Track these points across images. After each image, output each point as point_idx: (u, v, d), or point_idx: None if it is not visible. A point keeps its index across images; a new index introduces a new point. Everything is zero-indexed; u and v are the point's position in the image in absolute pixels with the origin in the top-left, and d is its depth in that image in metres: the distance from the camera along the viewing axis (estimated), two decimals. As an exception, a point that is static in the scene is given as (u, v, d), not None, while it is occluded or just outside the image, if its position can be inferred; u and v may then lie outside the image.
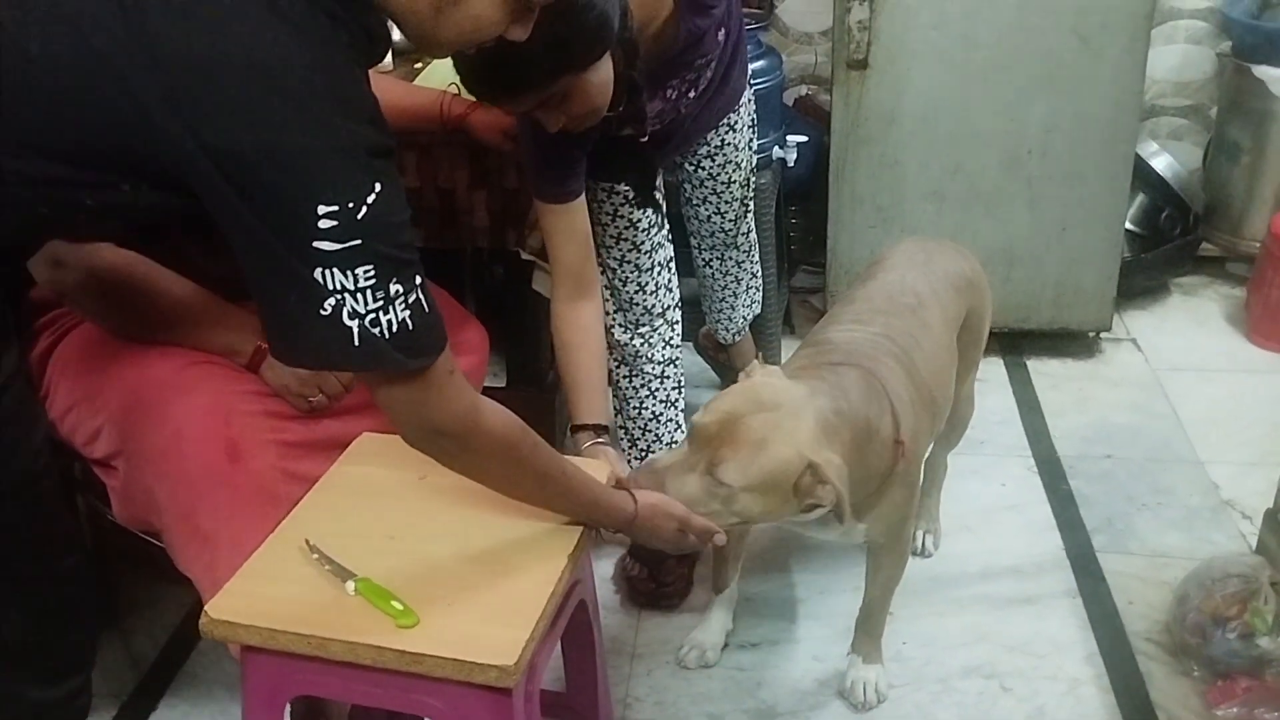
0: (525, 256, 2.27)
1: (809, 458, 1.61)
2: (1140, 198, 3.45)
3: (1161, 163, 3.47)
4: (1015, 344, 3.22)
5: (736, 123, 2.43)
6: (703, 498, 1.64)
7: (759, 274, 2.77)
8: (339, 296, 1.20)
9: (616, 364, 2.34)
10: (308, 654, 1.39)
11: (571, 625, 1.66)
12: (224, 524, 1.64)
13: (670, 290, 2.31)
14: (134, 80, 1.14)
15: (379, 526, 1.56)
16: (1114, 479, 2.70)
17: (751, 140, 2.51)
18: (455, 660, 1.34)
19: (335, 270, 1.19)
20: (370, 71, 2.24)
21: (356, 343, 1.22)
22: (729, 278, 2.70)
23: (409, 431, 1.36)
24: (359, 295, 1.21)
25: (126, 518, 1.79)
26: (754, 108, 2.50)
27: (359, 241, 1.18)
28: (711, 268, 2.67)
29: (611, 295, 2.27)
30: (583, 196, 2.02)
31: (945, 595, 2.34)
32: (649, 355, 2.29)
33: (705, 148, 2.43)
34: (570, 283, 2.05)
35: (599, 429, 2.03)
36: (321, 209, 1.17)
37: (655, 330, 2.30)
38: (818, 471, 1.62)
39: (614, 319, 2.29)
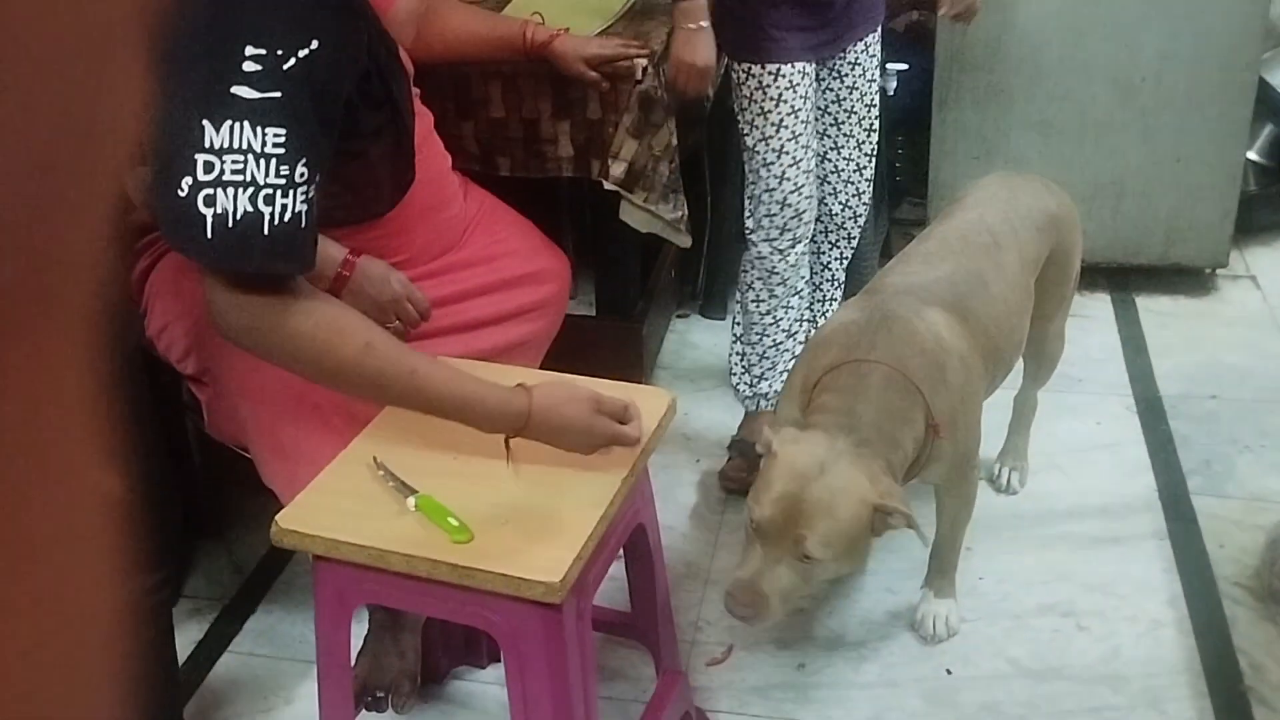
0: (608, 187, 2.29)
1: (872, 502, 1.68)
2: (1269, 128, 3.28)
3: (1292, 90, 3.29)
4: (1123, 280, 3.12)
5: (872, 47, 2.41)
6: (800, 582, 1.72)
7: (843, 280, 2.68)
8: (237, 160, 1.14)
9: (747, 286, 2.42)
10: (369, 564, 1.46)
11: (632, 548, 1.71)
12: (303, 439, 1.72)
13: (811, 209, 2.37)
14: None
15: (445, 446, 1.62)
16: (1217, 420, 2.61)
17: (874, 90, 2.47)
18: (504, 575, 1.39)
19: (245, 125, 1.14)
20: (455, 9, 2.28)
21: (209, 235, 1.18)
22: (830, 255, 2.63)
23: (218, 324, 1.35)
24: (262, 162, 1.15)
25: (217, 432, 1.89)
26: (878, 63, 2.47)
27: (279, 94, 1.14)
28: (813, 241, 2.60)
29: (753, 202, 2.36)
30: None
31: (1028, 533, 2.32)
32: (784, 274, 2.37)
33: (846, 58, 2.38)
34: None
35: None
36: (249, 49, 1.12)
37: (795, 246, 2.37)
38: (883, 508, 1.68)
39: (755, 228, 2.37)
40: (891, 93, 2.97)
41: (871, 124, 2.48)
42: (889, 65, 2.96)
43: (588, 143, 2.28)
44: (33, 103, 0.25)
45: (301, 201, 1.20)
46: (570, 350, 2.27)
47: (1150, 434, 2.58)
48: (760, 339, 2.46)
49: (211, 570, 2.28)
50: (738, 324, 2.53)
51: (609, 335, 2.64)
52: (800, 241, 2.39)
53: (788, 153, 2.30)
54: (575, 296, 2.43)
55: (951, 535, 2.06)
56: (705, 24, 2.17)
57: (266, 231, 1.19)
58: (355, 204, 1.73)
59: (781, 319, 2.43)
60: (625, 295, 2.69)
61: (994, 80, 2.97)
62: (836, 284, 2.67)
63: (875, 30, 2.40)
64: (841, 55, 2.37)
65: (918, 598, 2.12)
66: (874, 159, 2.53)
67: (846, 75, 2.41)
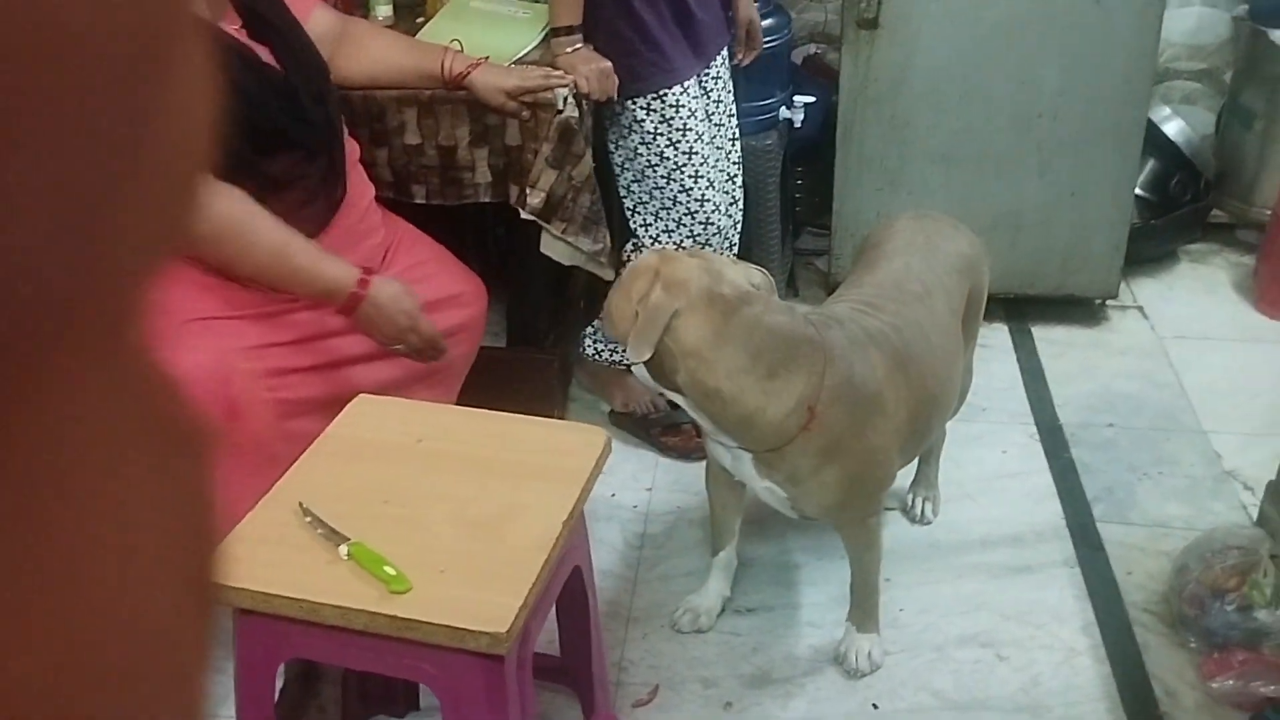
0: (525, 215, 2.24)
1: (656, 266, 1.73)
2: (1151, 163, 3.41)
3: (1173, 128, 3.43)
4: (1020, 310, 3.19)
5: (726, 61, 2.54)
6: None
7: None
8: None
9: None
10: (300, 618, 1.38)
11: (567, 590, 1.66)
12: (221, 485, 1.63)
13: (729, 224, 2.54)
14: None
15: (373, 490, 1.55)
16: (1116, 448, 2.68)
17: (732, 100, 2.60)
18: (447, 627, 1.33)
19: None
20: (372, 27, 2.22)
21: None
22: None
23: None
24: None
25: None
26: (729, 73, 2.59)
27: None
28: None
29: (669, 226, 2.45)
30: None
31: (944, 563, 2.34)
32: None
33: (709, 72, 2.47)
34: None
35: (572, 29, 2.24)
36: None
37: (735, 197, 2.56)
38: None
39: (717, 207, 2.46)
40: (798, 125, 2.99)
41: (734, 133, 2.60)
42: (796, 98, 2.99)
43: (506, 168, 2.23)
44: (78, 119, 0.23)
45: None
46: (483, 382, 2.22)
47: (1054, 462, 2.64)
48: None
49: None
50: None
51: (522, 367, 2.59)
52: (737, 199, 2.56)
53: (702, 176, 2.38)
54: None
55: (862, 573, 2.05)
56: (581, 45, 2.24)
57: None
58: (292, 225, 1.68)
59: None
60: (536, 326, 2.64)
61: (897, 113, 3.01)
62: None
63: (726, 43, 2.52)
64: (706, 70, 2.45)
65: (841, 632, 2.11)
66: (741, 166, 2.65)
67: (711, 90, 2.49)
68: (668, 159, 2.35)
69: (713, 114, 2.51)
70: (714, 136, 2.52)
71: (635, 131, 2.35)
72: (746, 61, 2.58)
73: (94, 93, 0.23)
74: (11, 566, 0.25)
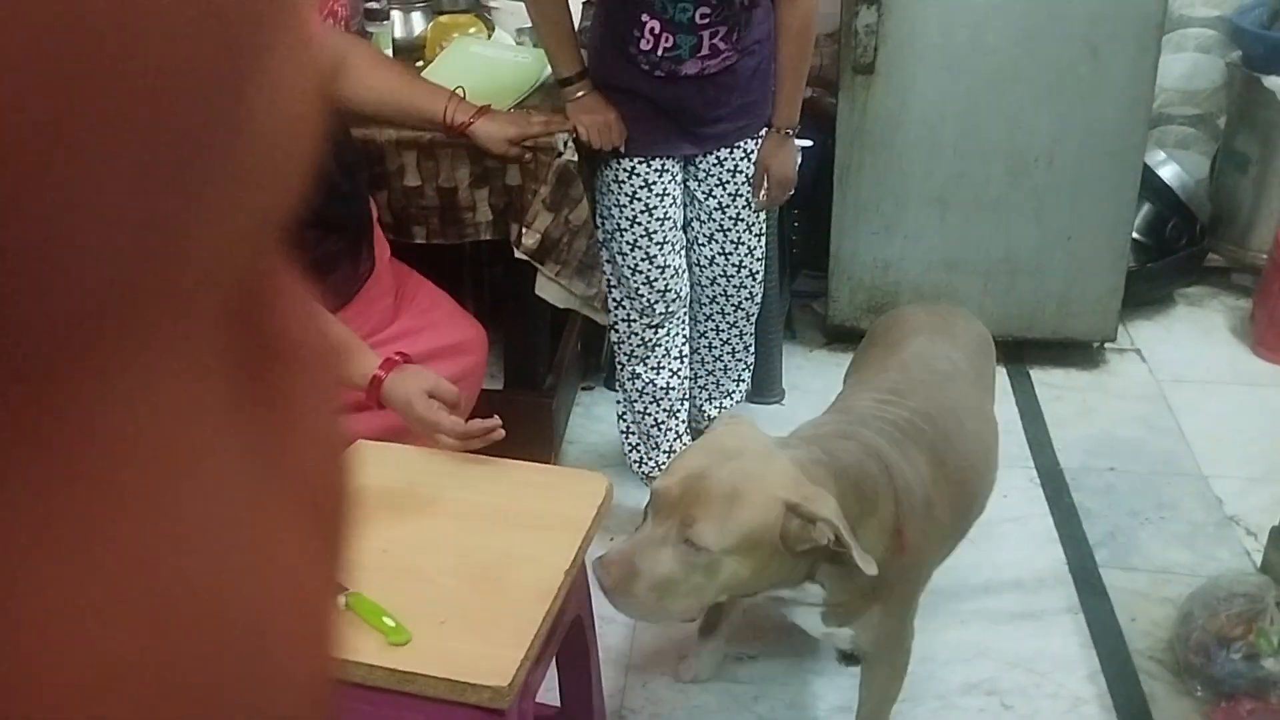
0: (519, 255, 2.23)
1: (785, 499, 1.42)
2: (1146, 207, 3.42)
3: (1168, 172, 3.44)
4: (1018, 353, 3.18)
5: (753, 154, 2.34)
6: (681, 572, 1.43)
7: (753, 349, 2.61)
8: None
9: (621, 366, 2.38)
10: (297, 670, 1.35)
11: (567, 640, 1.63)
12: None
13: (678, 285, 2.31)
14: None
15: (371, 539, 1.53)
16: (1117, 492, 2.67)
17: (749, 190, 2.40)
18: (448, 680, 1.31)
19: None
20: (376, 56, 2.21)
21: None
22: (730, 333, 2.53)
23: None
24: None
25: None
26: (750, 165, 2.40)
27: None
28: (712, 322, 2.52)
29: (615, 280, 2.31)
30: None
31: (945, 609, 2.31)
32: (657, 350, 2.32)
33: (725, 165, 2.31)
34: None
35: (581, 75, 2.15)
36: None
37: (664, 323, 2.32)
38: (800, 510, 1.42)
39: (617, 305, 2.33)
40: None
41: (722, 224, 2.37)
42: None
43: (507, 207, 2.22)
44: (165, 104, 0.21)
45: None
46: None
47: (1055, 506, 2.62)
48: (642, 418, 2.43)
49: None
50: (619, 402, 2.50)
51: (518, 409, 2.55)
52: (670, 317, 2.33)
53: (640, 247, 2.26)
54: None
55: (876, 713, 1.86)
56: (584, 93, 2.15)
57: None
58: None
59: (661, 398, 2.39)
60: (534, 368, 2.62)
61: (893, 158, 3.02)
62: (744, 364, 2.63)
63: (754, 135, 2.33)
64: (704, 156, 2.29)
65: (844, 677, 2.08)
66: (758, 260, 2.45)
67: (728, 183, 2.33)
68: (612, 217, 2.26)
69: (718, 196, 2.34)
70: (726, 224, 2.36)
71: (600, 174, 2.28)
72: (757, 207, 2.37)
73: (183, 74, 0.21)
74: (89, 555, 0.23)
